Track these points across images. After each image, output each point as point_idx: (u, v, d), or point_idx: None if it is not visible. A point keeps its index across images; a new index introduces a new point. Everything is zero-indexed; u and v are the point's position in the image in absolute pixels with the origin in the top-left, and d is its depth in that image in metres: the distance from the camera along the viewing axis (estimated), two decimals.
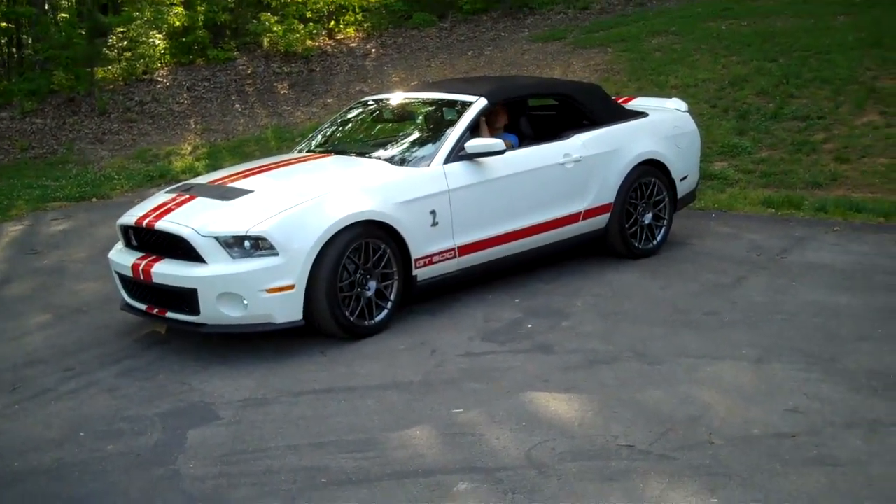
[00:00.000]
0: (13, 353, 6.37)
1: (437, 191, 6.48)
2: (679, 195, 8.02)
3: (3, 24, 19.24)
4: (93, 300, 7.44)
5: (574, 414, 4.90)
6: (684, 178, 8.04)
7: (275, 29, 18.94)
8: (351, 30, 20.68)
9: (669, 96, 9.43)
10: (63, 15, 19.28)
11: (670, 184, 7.87)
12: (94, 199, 11.75)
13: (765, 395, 5.02)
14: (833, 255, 7.53)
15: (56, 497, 4.36)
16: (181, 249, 5.99)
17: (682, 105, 8.44)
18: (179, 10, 18.98)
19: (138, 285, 6.29)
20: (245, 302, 5.80)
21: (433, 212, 6.44)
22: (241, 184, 6.53)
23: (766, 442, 4.48)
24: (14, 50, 20.12)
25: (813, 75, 12.88)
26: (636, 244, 7.67)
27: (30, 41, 18.95)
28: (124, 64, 18.34)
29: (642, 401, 5.01)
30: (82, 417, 5.24)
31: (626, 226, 7.58)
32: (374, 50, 19.35)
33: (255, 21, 19.27)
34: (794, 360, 5.48)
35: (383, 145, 7.27)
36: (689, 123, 8.24)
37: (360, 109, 8.17)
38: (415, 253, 6.37)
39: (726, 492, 4.04)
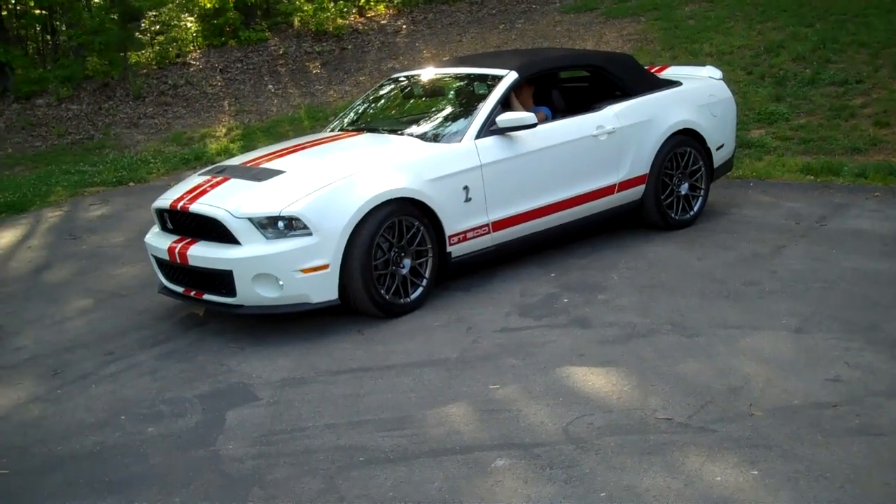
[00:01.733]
0: (54, 337, 6.44)
1: (469, 166, 6.45)
2: (715, 164, 7.92)
3: (37, 12, 19.40)
4: (131, 284, 7.51)
5: (612, 388, 4.87)
6: (720, 146, 7.94)
7: (305, 8, 18.94)
8: (381, 7, 20.62)
9: (704, 64, 9.30)
10: (95, 0, 19.37)
11: (706, 153, 7.78)
12: (130, 184, 11.84)
13: (805, 364, 4.96)
14: (873, 222, 7.42)
15: (98, 480, 4.41)
16: (216, 231, 6.02)
17: (717, 73, 8.32)
18: None
19: (175, 268, 6.33)
20: (280, 282, 5.82)
21: (466, 188, 6.41)
22: (273, 164, 6.53)
23: (806, 412, 4.43)
24: (48, 37, 20.29)
25: (850, 39, 12.66)
26: (672, 215, 7.60)
27: (63, 28, 19.08)
28: (157, 48, 18.43)
29: (681, 373, 4.97)
30: (123, 400, 5.29)
31: (662, 197, 7.51)
32: (404, 26, 19.28)
33: (286, 1, 19.26)
34: (835, 328, 5.41)
35: (415, 122, 7.24)
36: (724, 91, 8.13)
37: (391, 86, 8.14)
38: (448, 229, 6.35)
39: (767, 463, 4.00)
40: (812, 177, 8.92)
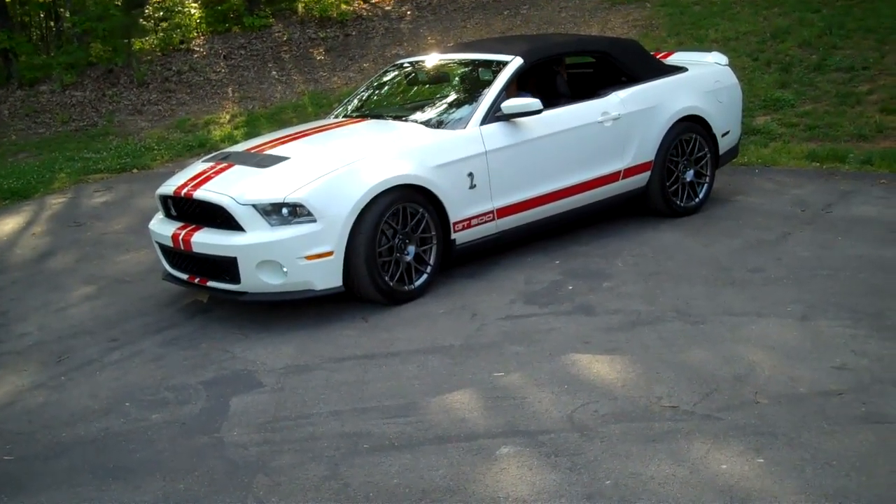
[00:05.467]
0: (58, 324, 6.44)
1: (474, 153, 6.42)
2: (721, 151, 7.88)
3: None
4: (135, 271, 7.50)
5: (616, 375, 4.86)
6: (726, 133, 7.90)
7: None
8: None
9: (709, 50, 9.26)
10: None
11: (712, 139, 7.74)
12: (134, 170, 11.82)
13: (811, 352, 4.94)
14: (879, 209, 7.39)
15: (103, 467, 4.41)
16: (220, 218, 6.00)
17: (723, 59, 8.27)
18: None
19: (179, 255, 6.32)
20: (284, 269, 5.81)
21: (470, 174, 6.39)
22: (277, 151, 6.52)
23: (812, 400, 4.41)
24: (52, 23, 20.25)
25: (857, 25, 12.60)
26: (678, 202, 7.58)
27: (67, 14, 19.02)
28: (161, 34, 18.37)
29: (686, 361, 4.96)
30: (127, 387, 5.29)
31: (668, 184, 7.48)
32: (409, 12, 19.22)
33: None
34: (841, 316, 5.39)
35: (419, 108, 7.22)
36: (730, 77, 8.09)
37: (396, 72, 8.11)
38: (453, 216, 6.33)
39: (772, 451, 3.99)
40: (818, 164, 8.88)
